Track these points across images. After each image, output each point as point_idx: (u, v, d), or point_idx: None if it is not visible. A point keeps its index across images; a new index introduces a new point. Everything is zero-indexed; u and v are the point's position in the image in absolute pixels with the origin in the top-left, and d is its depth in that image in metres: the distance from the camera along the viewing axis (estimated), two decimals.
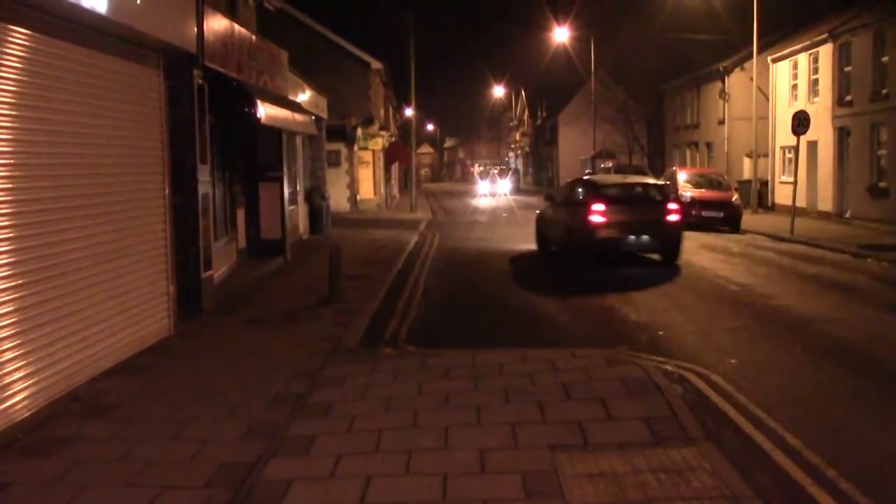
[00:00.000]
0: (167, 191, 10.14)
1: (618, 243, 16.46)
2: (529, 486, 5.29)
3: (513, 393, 7.33)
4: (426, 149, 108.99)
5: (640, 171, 38.50)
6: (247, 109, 13.44)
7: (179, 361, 8.85)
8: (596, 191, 17.25)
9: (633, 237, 16.45)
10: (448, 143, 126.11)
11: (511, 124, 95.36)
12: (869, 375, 8.60)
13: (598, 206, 16.29)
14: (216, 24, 11.52)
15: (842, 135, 28.67)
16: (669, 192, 18.94)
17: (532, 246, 20.26)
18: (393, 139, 50.46)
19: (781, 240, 22.70)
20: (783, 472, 5.71)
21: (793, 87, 32.83)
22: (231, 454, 6.00)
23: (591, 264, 16.55)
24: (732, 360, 8.99)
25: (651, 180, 20.52)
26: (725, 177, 30.88)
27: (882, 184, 26.18)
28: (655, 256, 17.20)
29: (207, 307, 11.09)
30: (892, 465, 6.08)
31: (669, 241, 16.74)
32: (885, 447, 6.43)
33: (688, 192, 26.90)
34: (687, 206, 26.31)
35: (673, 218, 16.75)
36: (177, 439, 6.34)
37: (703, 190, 27.06)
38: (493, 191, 61.22)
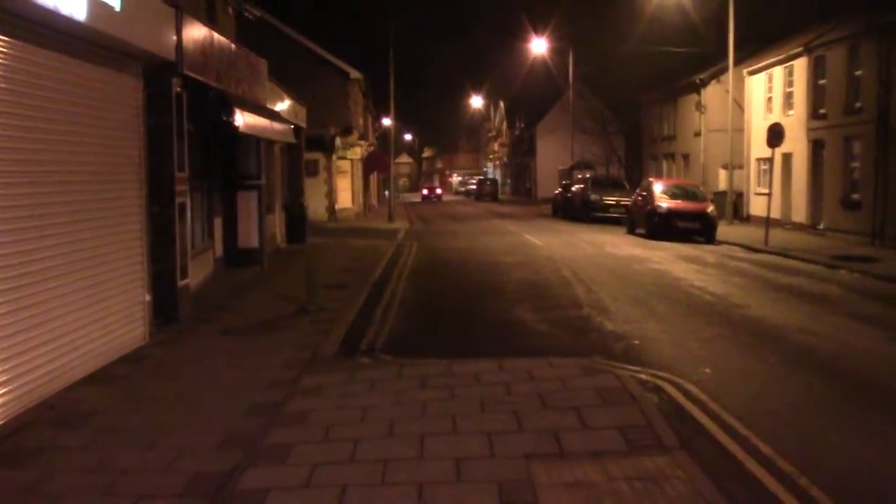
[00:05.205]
0: (144, 199, 10.10)
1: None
2: (505, 495, 5.31)
3: (489, 402, 7.36)
4: (405, 159, 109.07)
5: (616, 183, 38.75)
6: (225, 118, 13.42)
7: (155, 370, 8.81)
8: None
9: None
10: (426, 153, 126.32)
11: (489, 135, 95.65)
12: (841, 384, 8.71)
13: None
14: (195, 32, 11.51)
15: (816, 147, 28.99)
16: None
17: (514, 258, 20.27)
18: (371, 149, 50.53)
19: (756, 251, 22.91)
20: (756, 481, 5.79)
21: (768, 99, 33.17)
22: (207, 463, 5.98)
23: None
24: (707, 370, 9.07)
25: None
26: (701, 188, 31.14)
27: (855, 196, 26.49)
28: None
29: (184, 316, 11.04)
30: (864, 472, 6.16)
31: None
32: (856, 455, 6.52)
33: (663, 203, 27.11)
34: (661, 217, 26.60)
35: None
36: (152, 449, 6.31)
37: (678, 201, 27.27)
38: None
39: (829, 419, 7.48)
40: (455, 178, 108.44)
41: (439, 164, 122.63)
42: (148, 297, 10.06)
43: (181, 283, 10.99)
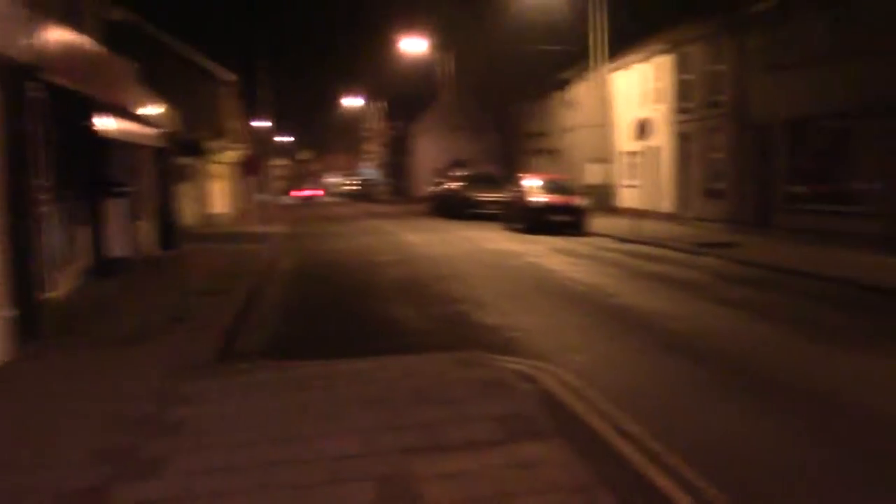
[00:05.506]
0: (1, 210, 9.63)
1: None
2: (384, 491, 5.34)
3: (368, 400, 7.36)
4: (281, 161, 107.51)
5: (492, 180, 39.31)
6: (90, 123, 12.96)
7: (18, 388, 8.40)
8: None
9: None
10: (303, 155, 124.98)
11: (366, 135, 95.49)
12: (706, 364, 9.13)
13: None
14: (55, 34, 11.07)
15: (683, 140, 30.20)
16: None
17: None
18: (247, 152, 49.60)
19: (627, 241, 23.69)
20: (627, 461, 6.00)
21: (635, 94, 34.33)
22: (75, 481, 5.74)
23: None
24: (582, 358, 9.34)
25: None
26: (572, 182, 31.97)
27: (718, 185, 27.75)
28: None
29: (50, 330, 10.58)
30: (725, 445, 6.52)
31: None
32: (718, 430, 6.90)
33: (535, 197, 27.75)
34: (535, 212, 27.20)
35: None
36: (13, 469, 6.02)
37: (550, 195, 27.95)
38: None
39: (694, 398, 7.85)
40: (332, 179, 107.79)
41: (317, 166, 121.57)
42: (9, 313, 9.60)
43: (45, 295, 10.55)
